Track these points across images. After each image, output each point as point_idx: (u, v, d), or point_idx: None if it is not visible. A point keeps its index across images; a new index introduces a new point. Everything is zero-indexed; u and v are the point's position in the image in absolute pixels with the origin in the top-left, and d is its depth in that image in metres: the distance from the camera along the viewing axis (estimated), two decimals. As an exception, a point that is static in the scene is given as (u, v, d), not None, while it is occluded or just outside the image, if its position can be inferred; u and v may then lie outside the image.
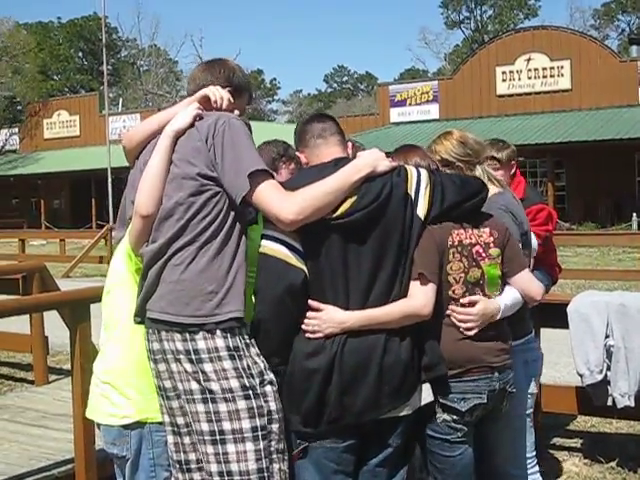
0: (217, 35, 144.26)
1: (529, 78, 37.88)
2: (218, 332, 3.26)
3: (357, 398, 3.38)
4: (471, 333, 3.61)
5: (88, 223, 42.89)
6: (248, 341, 3.34)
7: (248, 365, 3.29)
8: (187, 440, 3.42)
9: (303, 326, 3.39)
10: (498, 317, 3.66)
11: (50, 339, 8.96)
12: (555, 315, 5.61)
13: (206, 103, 3.52)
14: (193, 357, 3.27)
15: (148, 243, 3.42)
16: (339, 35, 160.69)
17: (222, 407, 3.26)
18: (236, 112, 3.57)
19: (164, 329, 3.32)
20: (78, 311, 5.26)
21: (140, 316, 3.44)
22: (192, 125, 3.43)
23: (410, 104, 41.40)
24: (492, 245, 3.68)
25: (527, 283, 3.83)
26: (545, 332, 5.83)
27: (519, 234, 4.06)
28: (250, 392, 3.26)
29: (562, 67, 37.16)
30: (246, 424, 3.25)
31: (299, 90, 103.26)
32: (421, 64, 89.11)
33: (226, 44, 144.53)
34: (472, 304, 3.61)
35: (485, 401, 3.63)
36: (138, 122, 47.22)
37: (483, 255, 3.64)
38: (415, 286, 3.47)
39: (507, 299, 3.73)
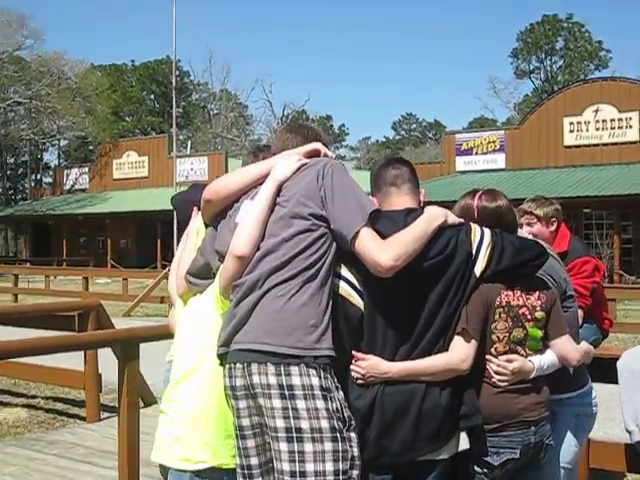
0: (287, 80, 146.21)
1: (597, 129, 37.62)
2: (313, 370, 3.26)
3: (395, 440, 3.39)
4: (503, 384, 3.63)
5: (153, 263, 43.42)
6: (337, 384, 3.35)
7: (337, 408, 3.29)
8: None
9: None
10: (531, 377, 3.70)
11: (104, 377, 9.09)
12: (605, 370, 5.53)
13: (311, 156, 3.66)
14: (286, 392, 3.23)
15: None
16: (408, 83, 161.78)
17: (308, 447, 3.21)
18: None
19: (257, 361, 3.29)
20: (127, 349, 5.33)
21: (226, 346, 3.40)
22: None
23: (476, 153, 41.42)
24: (538, 309, 3.72)
25: (565, 348, 3.86)
26: (601, 387, 5.75)
27: (558, 294, 4.02)
28: (338, 435, 3.24)
29: (630, 119, 36.85)
30: (330, 467, 3.20)
31: (367, 137, 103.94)
32: (490, 113, 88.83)
33: (295, 90, 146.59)
34: (510, 361, 3.64)
35: (517, 456, 3.63)
36: (205, 165, 47.80)
37: (529, 317, 3.68)
38: (457, 340, 3.50)
39: (544, 361, 3.76)
